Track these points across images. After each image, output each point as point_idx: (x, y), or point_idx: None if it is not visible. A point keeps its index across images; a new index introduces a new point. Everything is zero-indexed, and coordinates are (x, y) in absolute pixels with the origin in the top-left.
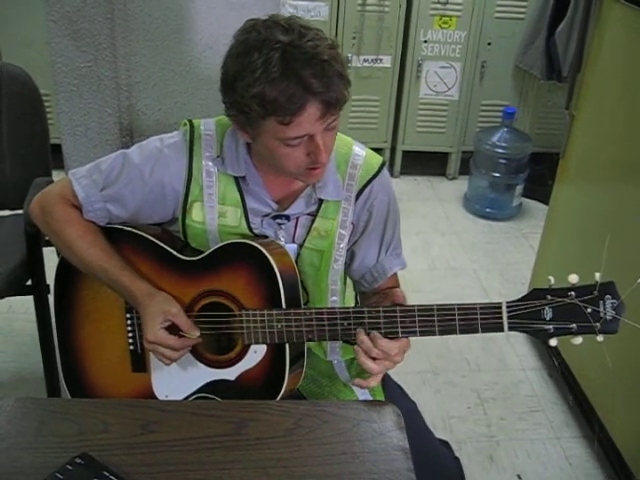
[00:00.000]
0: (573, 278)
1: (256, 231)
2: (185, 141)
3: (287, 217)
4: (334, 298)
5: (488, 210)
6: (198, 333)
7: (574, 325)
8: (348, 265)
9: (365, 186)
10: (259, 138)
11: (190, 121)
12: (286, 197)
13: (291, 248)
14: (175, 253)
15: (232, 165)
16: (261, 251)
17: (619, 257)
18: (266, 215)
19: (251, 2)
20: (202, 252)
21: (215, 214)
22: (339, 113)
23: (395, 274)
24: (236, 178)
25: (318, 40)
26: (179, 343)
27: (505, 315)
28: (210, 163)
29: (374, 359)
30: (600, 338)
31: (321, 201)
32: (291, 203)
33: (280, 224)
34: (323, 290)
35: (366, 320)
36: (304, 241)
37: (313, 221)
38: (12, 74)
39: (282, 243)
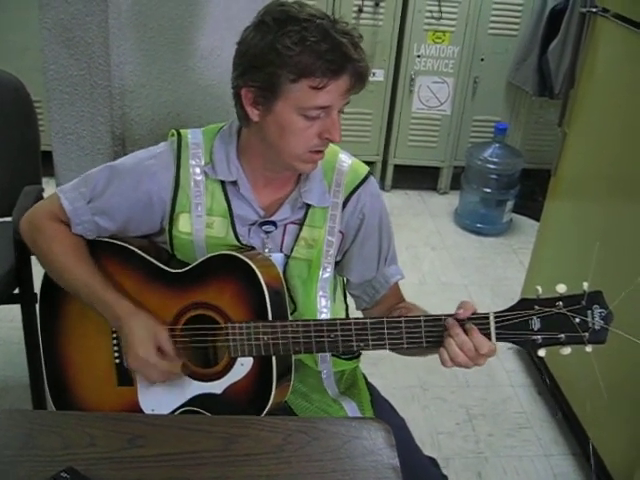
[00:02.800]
0: (561, 288)
1: (243, 241)
2: (172, 150)
3: (274, 223)
4: (323, 308)
5: (479, 225)
6: (180, 363)
7: (562, 335)
8: (347, 281)
9: (352, 193)
10: (272, 113)
11: (178, 131)
12: (273, 203)
13: (278, 257)
14: (161, 265)
15: (222, 170)
16: (247, 263)
17: (608, 269)
18: (253, 224)
19: (246, 15)
20: (188, 264)
21: (202, 225)
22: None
23: (397, 285)
24: (224, 185)
25: (348, 26)
26: (168, 369)
27: (493, 325)
28: (197, 171)
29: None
30: (589, 348)
31: (307, 208)
32: (277, 209)
33: (267, 232)
34: (312, 300)
35: (353, 332)
36: (292, 251)
37: (300, 230)
38: (4, 81)
39: (268, 253)
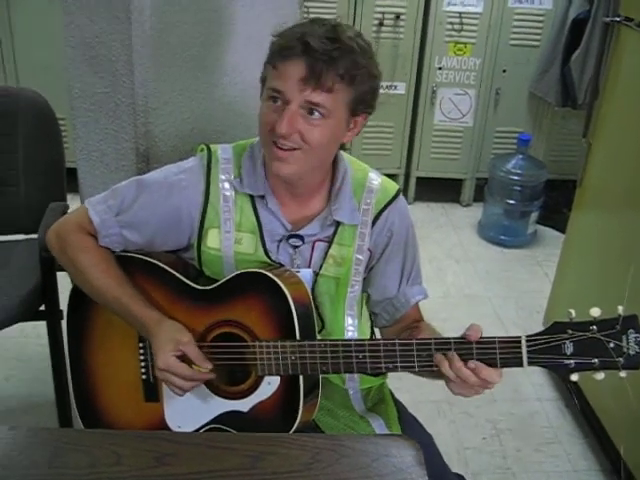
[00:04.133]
0: (595, 311)
1: (273, 257)
2: (202, 165)
3: (301, 238)
4: (350, 326)
5: (502, 237)
6: (210, 366)
7: (596, 360)
8: (368, 298)
9: (382, 211)
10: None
11: (207, 146)
12: (301, 219)
13: (306, 273)
14: (188, 282)
15: (251, 185)
16: (275, 281)
17: (638, 285)
18: (281, 239)
19: (268, 33)
20: (216, 281)
21: (231, 240)
22: (325, 111)
23: (417, 305)
24: (253, 200)
25: (348, 31)
26: (190, 373)
27: (525, 349)
28: (227, 186)
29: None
30: (623, 374)
31: (337, 226)
32: (306, 225)
33: (294, 246)
34: (340, 317)
35: (382, 353)
36: (320, 268)
37: (329, 247)
38: (29, 98)
39: (297, 269)
